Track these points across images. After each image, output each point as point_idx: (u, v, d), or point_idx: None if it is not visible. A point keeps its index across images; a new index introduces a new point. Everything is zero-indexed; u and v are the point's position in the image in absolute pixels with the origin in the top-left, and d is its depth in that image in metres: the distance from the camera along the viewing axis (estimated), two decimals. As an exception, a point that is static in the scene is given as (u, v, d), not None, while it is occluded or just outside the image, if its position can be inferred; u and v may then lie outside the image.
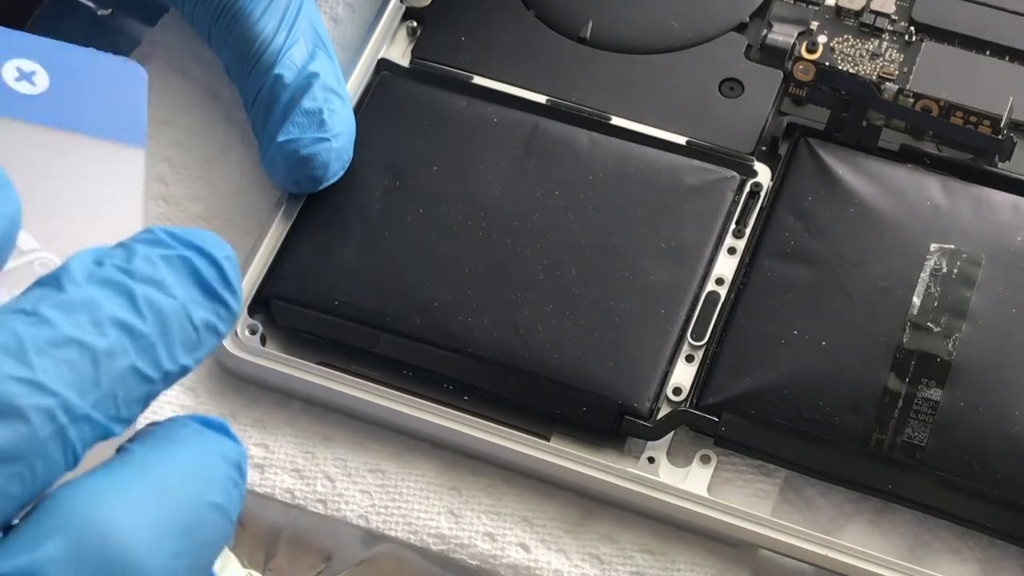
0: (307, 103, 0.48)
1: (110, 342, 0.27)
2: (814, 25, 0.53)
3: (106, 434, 0.27)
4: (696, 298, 0.48)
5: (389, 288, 0.48)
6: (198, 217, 0.52)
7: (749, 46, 0.52)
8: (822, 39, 0.52)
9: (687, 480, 0.46)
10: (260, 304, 0.49)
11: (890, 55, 0.52)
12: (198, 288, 0.29)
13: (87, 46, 0.34)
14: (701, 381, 0.47)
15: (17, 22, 0.58)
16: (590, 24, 0.53)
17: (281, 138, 0.48)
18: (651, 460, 0.46)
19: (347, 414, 0.48)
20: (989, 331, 0.46)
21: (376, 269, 0.49)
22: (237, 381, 0.49)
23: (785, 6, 0.53)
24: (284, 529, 0.48)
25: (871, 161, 0.50)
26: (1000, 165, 0.49)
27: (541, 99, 0.52)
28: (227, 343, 0.48)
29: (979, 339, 0.46)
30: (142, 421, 0.29)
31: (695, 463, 0.46)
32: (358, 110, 0.52)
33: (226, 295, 0.29)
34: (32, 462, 0.26)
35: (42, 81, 0.34)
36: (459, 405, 0.47)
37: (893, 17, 0.52)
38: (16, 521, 0.27)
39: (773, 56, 0.52)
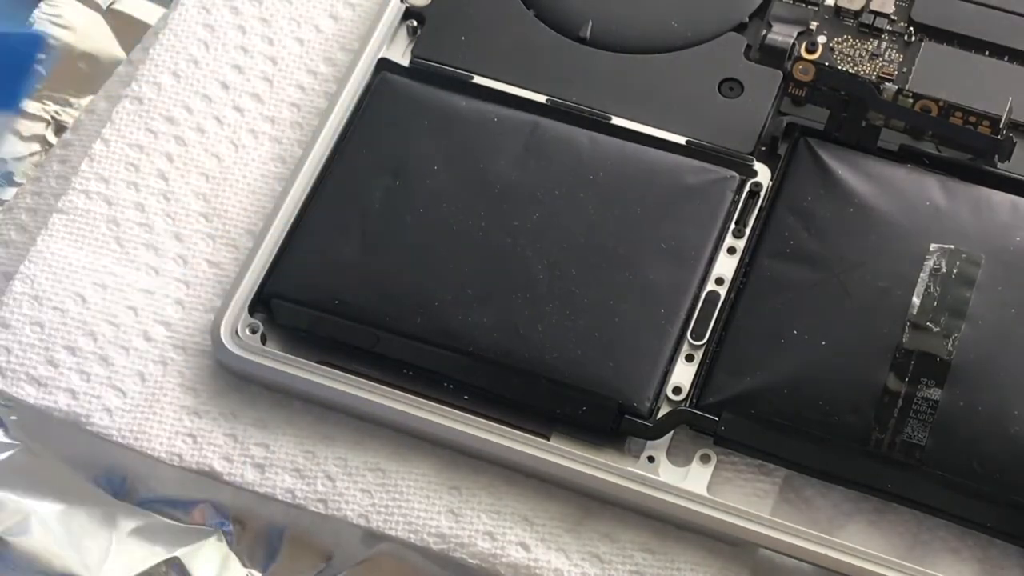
0: None
1: None
2: (813, 25, 0.53)
3: None
4: (696, 298, 0.48)
5: (389, 288, 0.48)
6: (199, 214, 0.52)
7: (749, 46, 0.52)
8: (822, 39, 0.52)
9: (687, 479, 0.46)
10: (261, 303, 0.49)
11: (889, 55, 0.52)
12: None
13: None
14: (701, 380, 0.47)
15: (16, 22, 0.58)
16: (590, 24, 0.53)
17: None
18: (651, 459, 0.46)
19: (347, 413, 0.48)
20: (988, 331, 0.46)
21: (376, 269, 0.49)
22: (238, 380, 0.49)
23: (785, 6, 0.53)
24: (285, 528, 0.48)
25: (871, 161, 0.50)
26: (999, 165, 0.49)
27: (541, 99, 0.52)
28: (228, 342, 0.48)
29: (978, 339, 0.46)
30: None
31: (695, 462, 0.46)
32: (358, 110, 0.52)
33: None
34: None
35: None
36: (459, 404, 0.47)
37: (892, 17, 0.52)
38: None
39: (773, 56, 0.52)
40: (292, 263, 0.49)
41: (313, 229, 0.50)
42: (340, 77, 0.53)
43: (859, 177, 0.49)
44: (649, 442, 0.46)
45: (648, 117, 0.51)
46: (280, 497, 0.47)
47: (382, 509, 0.47)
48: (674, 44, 0.53)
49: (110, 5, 0.58)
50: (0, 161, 0.55)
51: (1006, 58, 0.51)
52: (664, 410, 0.47)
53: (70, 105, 0.56)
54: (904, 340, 0.46)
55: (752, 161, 0.50)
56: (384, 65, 0.53)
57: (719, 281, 0.48)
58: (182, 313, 0.50)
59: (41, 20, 0.58)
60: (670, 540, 0.46)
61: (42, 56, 0.35)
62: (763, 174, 0.50)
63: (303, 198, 0.50)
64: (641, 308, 0.47)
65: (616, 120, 0.51)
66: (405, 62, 0.53)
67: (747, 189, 0.50)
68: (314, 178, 0.51)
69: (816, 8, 0.53)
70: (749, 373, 0.46)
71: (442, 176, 0.50)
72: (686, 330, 0.48)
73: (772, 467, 0.47)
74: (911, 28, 0.52)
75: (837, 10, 0.53)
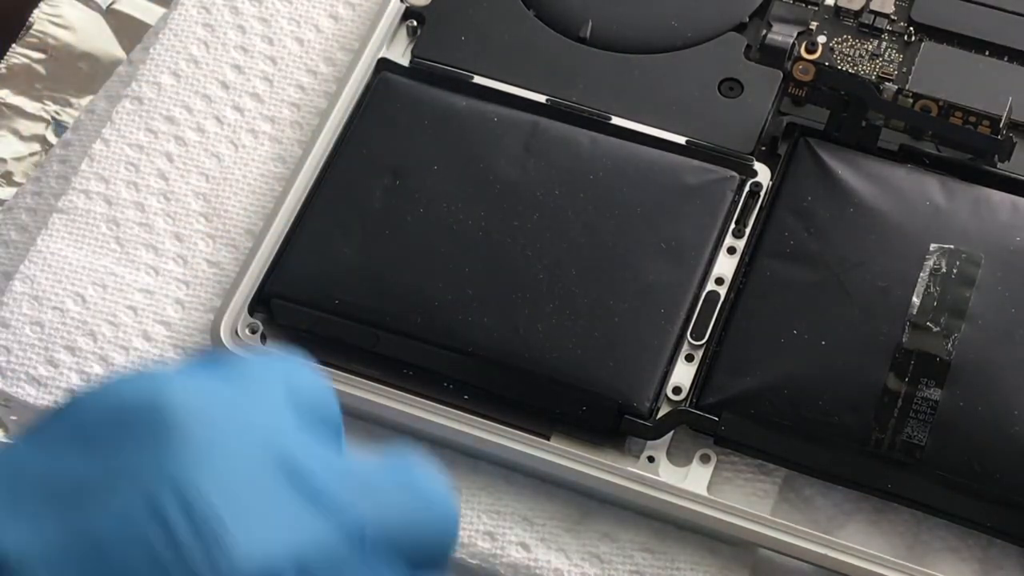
0: None
1: None
2: (813, 25, 0.53)
3: None
4: (696, 298, 0.48)
5: (389, 288, 0.48)
6: (199, 214, 0.52)
7: (749, 46, 0.52)
8: (821, 39, 0.52)
9: (687, 479, 0.46)
10: (261, 303, 0.49)
11: (889, 55, 0.52)
12: None
13: None
14: (701, 380, 0.47)
15: (16, 21, 0.58)
16: (590, 24, 0.53)
17: None
18: (651, 459, 0.46)
19: (347, 413, 0.47)
20: (988, 331, 0.46)
21: (376, 268, 0.49)
22: (237, 381, 0.49)
23: (785, 6, 0.53)
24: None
25: (871, 161, 0.50)
26: (999, 165, 0.49)
27: (541, 99, 0.52)
28: (227, 342, 0.48)
29: (978, 339, 0.46)
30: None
31: (695, 462, 0.46)
32: (358, 110, 0.52)
33: None
34: None
35: None
36: (459, 404, 0.47)
37: (892, 17, 0.52)
38: None
39: (773, 56, 0.52)
40: (292, 263, 0.49)
41: (313, 229, 0.50)
42: (340, 77, 0.53)
43: (859, 177, 0.49)
44: (649, 442, 0.46)
45: (648, 117, 0.51)
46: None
47: (382, 509, 0.47)
48: (674, 44, 0.53)
49: (110, 5, 0.58)
50: (0, 161, 0.55)
51: (1006, 58, 0.51)
52: (664, 410, 0.47)
53: (70, 105, 0.56)
54: (904, 340, 0.46)
55: (752, 161, 0.50)
56: (384, 65, 0.53)
57: (719, 281, 0.48)
58: (182, 313, 0.50)
59: (41, 20, 0.58)
60: (670, 540, 0.46)
61: None
62: (763, 174, 0.50)
63: (303, 198, 0.50)
64: (641, 308, 0.47)
65: (616, 120, 0.51)
66: (405, 62, 0.53)
67: (747, 189, 0.50)
68: (314, 178, 0.51)
69: (816, 8, 0.53)
70: (749, 373, 0.46)
71: (442, 176, 0.50)
72: (686, 330, 0.48)
73: (772, 467, 0.46)
74: (911, 28, 0.52)
75: (837, 10, 0.53)
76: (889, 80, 0.51)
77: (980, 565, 0.45)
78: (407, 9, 0.54)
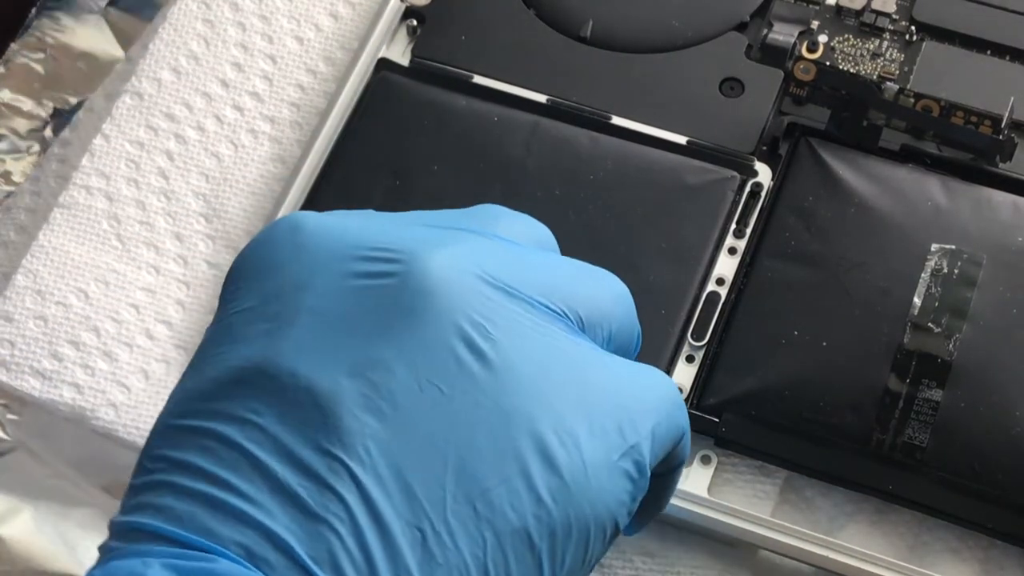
0: None
1: None
2: (815, 24, 0.53)
3: None
4: (696, 298, 0.48)
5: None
6: (199, 214, 0.52)
7: (750, 45, 0.52)
8: (823, 38, 0.52)
9: (687, 480, 0.46)
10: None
11: (891, 55, 0.52)
12: None
13: None
14: (701, 381, 0.47)
15: (15, 21, 0.58)
16: (590, 23, 0.53)
17: None
18: (651, 460, 0.46)
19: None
20: (990, 332, 0.46)
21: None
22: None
23: (786, 5, 0.53)
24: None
25: (872, 161, 0.49)
26: (1001, 165, 0.49)
27: (541, 98, 0.52)
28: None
29: (980, 340, 0.46)
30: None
31: (695, 463, 0.46)
32: (358, 110, 0.52)
33: None
34: None
35: None
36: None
37: (894, 17, 0.52)
38: None
39: (774, 55, 0.52)
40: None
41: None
42: (340, 76, 0.53)
43: (860, 177, 0.49)
44: (649, 443, 0.46)
45: (649, 117, 0.51)
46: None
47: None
48: (675, 44, 0.53)
49: (108, 5, 0.58)
50: (-2, 160, 0.55)
51: (1008, 58, 0.51)
52: (664, 411, 0.47)
53: (68, 104, 0.56)
54: (905, 341, 0.46)
55: (753, 161, 0.50)
56: (384, 64, 0.53)
57: (720, 281, 0.48)
58: (183, 314, 0.50)
59: (40, 19, 0.58)
60: (670, 542, 0.46)
61: None
62: (764, 174, 0.50)
63: (302, 200, 0.50)
64: (641, 308, 0.47)
65: (616, 120, 0.51)
66: (405, 61, 0.53)
67: (748, 189, 0.50)
68: (313, 179, 0.50)
69: (817, 7, 0.53)
70: (750, 374, 0.46)
71: (442, 176, 0.50)
72: (686, 330, 0.47)
73: (773, 468, 0.46)
74: (912, 27, 0.52)
75: (838, 9, 0.53)
76: (890, 80, 0.51)
77: (981, 566, 0.45)
78: (407, 8, 0.54)
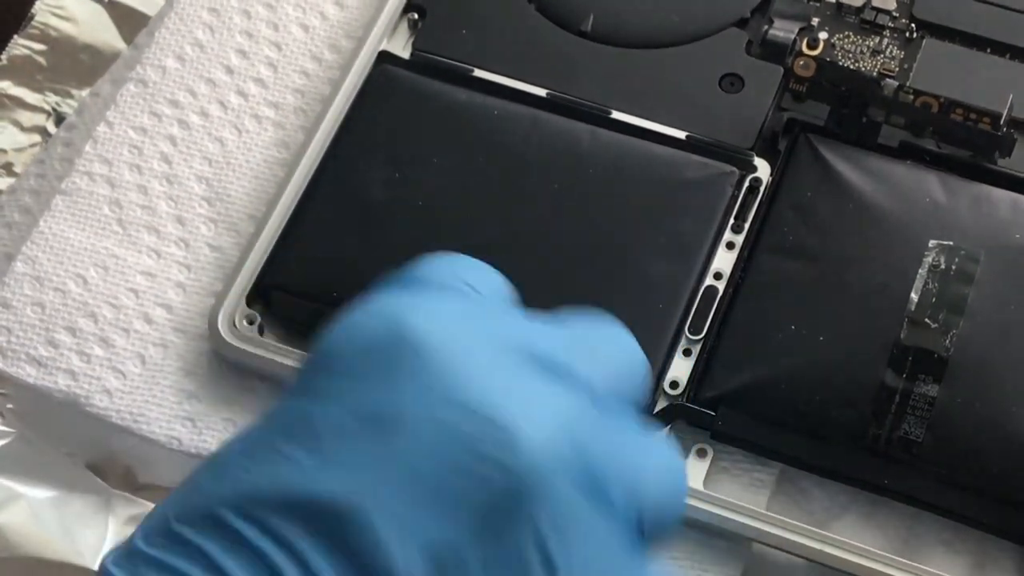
0: None
1: None
2: (815, 21, 0.53)
3: None
4: (694, 292, 0.48)
5: (388, 280, 0.48)
6: (201, 198, 0.52)
7: (750, 41, 0.52)
8: (823, 35, 0.52)
9: (683, 473, 0.46)
10: (259, 294, 0.49)
11: (891, 51, 0.52)
12: None
13: None
14: (698, 375, 0.47)
15: (18, 12, 0.58)
16: (591, 18, 0.53)
17: None
18: (647, 452, 0.46)
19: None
20: (987, 328, 0.46)
21: (375, 261, 0.48)
22: (235, 371, 0.49)
23: (786, 2, 0.53)
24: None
25: (871, 157, 0.50)
26: (999, 162, 0.49)
27: (541, 92, 0.52)
28: (225, 333, 0.48)
29: (977, 336, 0.46)
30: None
31: (691, 457, 0.46)
32: (359, 102, 0.52)
33: None
34: None
35: None
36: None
37: (894, 14, 0.52)
38: None
39: (774, 52, 0.52)
40: (291, 255, 0.49)
41: (312, 221, 0.50)
42: (344, 65, 0.53)
43: (859, 173, 0.49)
44: (646, 435, 0.46)
45: (648, 112, 0.51)
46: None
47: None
48: (675, 39, 0.53)
49: (111, -3, 0.58)
50: (0, 152, 0.55)
51: (1007, 55, 0.51)
52: (661, 404, 0.47)
53: (71, 96, 0.56)
54: (902, 336, 0.46)
55: (752, 156, 0.50)
56: (385, 57, 0.53)
57: (717, 276, 0.48)
58: (183, 296, 0.50)
59: (42, 12, 0.58)
60: (665, 534, 0.46)
61: None
62: (763, 169, 0.50)
63: (304, 186, 0.50)
64: (639, 302, 0.47)
65: (616, 114, 0.51)
66: (406, 55, 0.53)
67: (747, 184, 0.50)
68: (315, 166, 0.50)
69: (818, 4, 0.53)
70: (747, 368, 0.46)
71: (442, 169, 0.50)
72: (684, 324, 0.48)
73: (768, 462, 0.46)
74: (912, 25, 0.52)
75: (839, 6, 0.53)
76: (890, 76, 0.51)
77: (974, 559, 0.45)
78: (408, 2, 0.54)
